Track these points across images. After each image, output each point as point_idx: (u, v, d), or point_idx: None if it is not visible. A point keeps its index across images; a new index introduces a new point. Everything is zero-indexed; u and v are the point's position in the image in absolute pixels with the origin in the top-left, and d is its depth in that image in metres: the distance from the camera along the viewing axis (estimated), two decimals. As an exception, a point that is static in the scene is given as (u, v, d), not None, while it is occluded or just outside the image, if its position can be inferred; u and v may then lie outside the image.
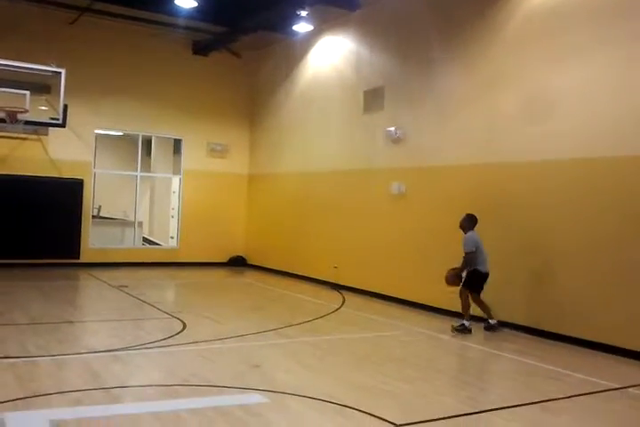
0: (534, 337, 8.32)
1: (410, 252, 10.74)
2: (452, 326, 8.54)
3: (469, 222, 8.58)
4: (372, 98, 12.01)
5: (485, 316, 8.62)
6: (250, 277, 14.49)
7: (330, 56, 13.53)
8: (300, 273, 13.82)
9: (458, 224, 8.68)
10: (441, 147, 10.30)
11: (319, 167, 13.52)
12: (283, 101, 15.24)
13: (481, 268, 8.42)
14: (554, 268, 8.30)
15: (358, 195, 12.20)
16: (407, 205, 10.91)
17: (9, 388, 5.29)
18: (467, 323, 8.45)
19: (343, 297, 11.41)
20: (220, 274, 15.05)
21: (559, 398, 5.70)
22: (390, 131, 11.25)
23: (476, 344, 8.01)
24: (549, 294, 8.33)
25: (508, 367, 7.14)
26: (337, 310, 10.14)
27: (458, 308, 8.70)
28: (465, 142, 9.83)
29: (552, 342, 8.08)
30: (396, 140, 11.24)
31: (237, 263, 16.10)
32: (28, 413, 4.84)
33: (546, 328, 8.30)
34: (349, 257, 12.29)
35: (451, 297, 8.86)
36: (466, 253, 8.39)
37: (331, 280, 12.65)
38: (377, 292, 11.37)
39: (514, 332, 8.58)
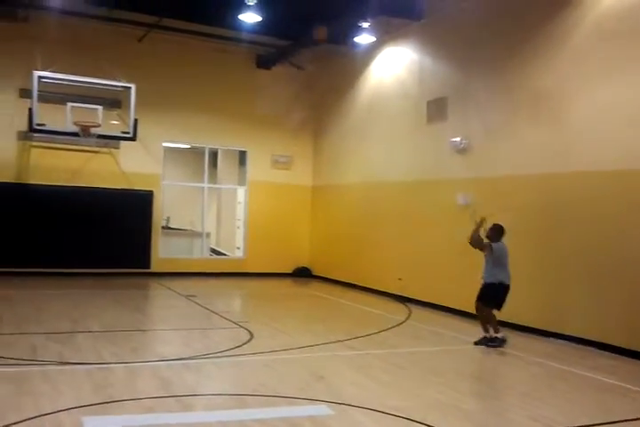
0: (608, 353, 8.04)
1: (477, 265, 10.53)
2: (487, 345, 8.16)
3: (496, 233, 8.32)
4: (436, 108, 11.92)
5: (489, 330, 8.25)
6: (314, 289, 14.55)
7: (392, 67, 13.54)
8: (364, 285, 13.78)
9: (525, 235, 8.48)
10: (508, 157, 10.12)
11: (383, 178, 13.49)
12: (345, 113, 15.32)
13: (504, 280, 8.14)
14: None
15: (423, 206, 12.11)
16: (473, 217, 10.72)
17: (86, 393, 5.47)
18: (500, 335, 8.15)
19: (409, 310, 11.31)
20: (285, 285, 15.18)
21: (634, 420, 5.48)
22: (455, 141, 11.14)
23: (544, 359, 7.78)
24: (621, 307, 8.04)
25: (579, 384, 6.90)
26: (403, 322, 10.05)
27: (529, 323, 8.48)
28: (533, 152, 9.62)
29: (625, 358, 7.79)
30: (461, 151, 11.11)
31: (302, 274, 16.19)
32: (103, 418, 5.00)
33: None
34: (415, 269, 12.18)
35: (522, 311, 8.66)
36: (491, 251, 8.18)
37: (396, 292, 12.57)
38: (444, 305, 11.20)
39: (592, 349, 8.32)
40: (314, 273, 16.23)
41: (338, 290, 14.07)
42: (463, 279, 10.74)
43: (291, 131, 16.43)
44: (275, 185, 16.29)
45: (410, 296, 12.13)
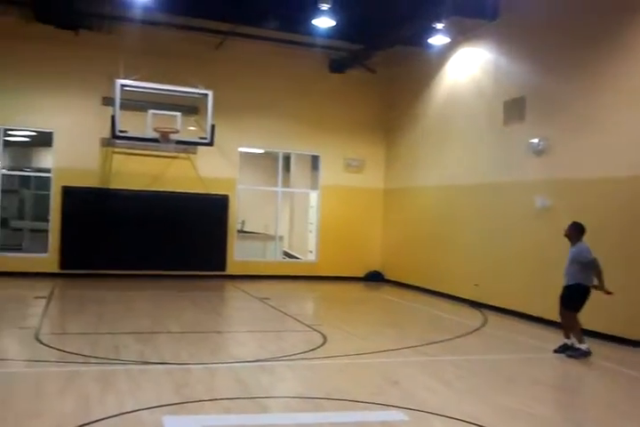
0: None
1: (557, 271, 10.21)
2: (566, 354, 7.85)
3: (577, 231, 7.92)
4: (513, 109, 11.65)
5: (570, 337, 7.94)
6: (387, 293, 14.48)
7: (467, 68, 13.33)
8: (438, 290, 13.60)
9: (609, 240, 8.16)
10: (588, 158, 9.78)
11: (457, 181, 13.30)
12: (419, 115, 15.19)
13: (586, 282, 7.77)
14: None
15: (499, 209, 11.85)
16: (552, 220, 10.41)
17: (166, 392, 5.63)
18: (584, 346, 7.76)
19: (484, 316, 11.09)
20: (357, 289, 15.17)
21: None
22: (533, 142, 10.86)
23: (633, 370, 7.46)
24: None
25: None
26: (478, 329, 9.86)
27: (613, 331, 8.15)
28: (615, 153, 9.26)
29: None
30: (538, 152, 10.82)
31: (374, 278, 16.13)
32: (182, 417, 5.12)
33: None
34: (490, 274, 11.93)
35: (609, 320, 8.34)
36: (590, 262, 7.70)
37: (471, 298, 12.34)
38: (521, 311, 10.91)
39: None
40: (386, 277, 16.14)
41: (410, 294, 13.95)
42: (542, 285, 10.45)
43: (363, 134, 16.43)
44: (347, 189, 16.32)
45: (485, 302, 11.89)
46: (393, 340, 8.55)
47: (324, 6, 12.12)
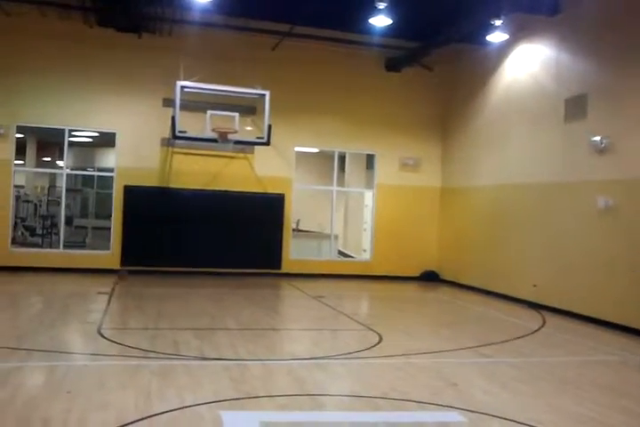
0: None
1: (620, 272, 9.94)
2: None
3: None
4: (574, 106, 11.36)
5: None
6: (443, 293, 14.34)
7: (527, 64, 13.07)
8: (495, 290, 13.38)
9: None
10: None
11: (516, 180, 13.06)
12: (476, 113, 14.97)
13: None
14: None
15: (559, 209, 11.58)
16: (616, 221, 10.13)
17: (224, 388, 5.71)
18: None
19: (543, 317, 10.85)
20: (412, 288, 15.07)
21: None
22: (595, 140, 10.56)
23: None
24: None
25: None
26: (537, 330, 9.66)
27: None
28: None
29: None
30: (601, 151, 10.52)
31: (430, 278, 16.00)
32: (240, 413, 5.19)
33: None
34: (550, 275, 11.68)
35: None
36: None
37: (529, 299, 12.10)
38: (582, 313, 10.63)
39: None
40: (442, 277, 15.98)
41: (467, 295, 13.78)
42: (605, 286, 10.18)
43: (419, 133, 16.31)
44: (402, 188, 16.23)
45: (544, 303, 11.64)
46: (449, 340, 8.47)
47: (381, 5, 12.09)
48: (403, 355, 7.43)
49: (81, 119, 14.36)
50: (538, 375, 6.89)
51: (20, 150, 15.39)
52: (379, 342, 8.05)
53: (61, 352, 7.01)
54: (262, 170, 15.04)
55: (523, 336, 9.05)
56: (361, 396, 5.77)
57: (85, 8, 13.11)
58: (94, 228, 18.71)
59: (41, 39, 13.71)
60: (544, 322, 10.39)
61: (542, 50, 12.58)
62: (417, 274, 16.09)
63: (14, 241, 14.99)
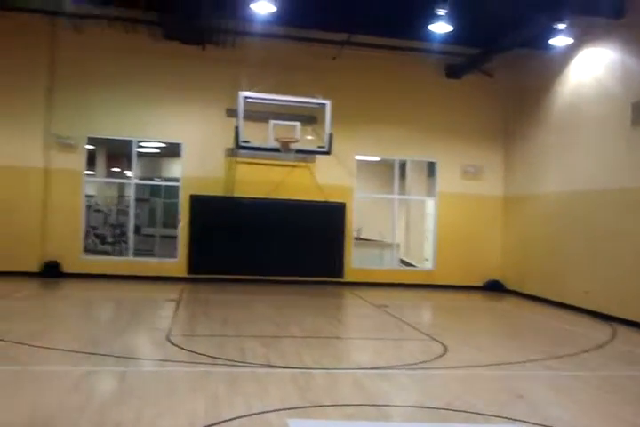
0: None
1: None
2: None
3: None
4: (642, 110, 11.05)
5: None
6: (508, 303, 14.09)
7: (591, 68, 12.77)
8: (562, 301, 13.05)
9: None
10: None
11: (582, 186, 12.75)
12: (540, 119, 14.69)
13: None
14: None
15: (629, 216, 11.23)
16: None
17: (291, 396, 5.78)
18: None
19: (613, 329, 10.53)
20: (476, 298, 14.86)
21: None
22: (667, 146, 10.23)
23: None
24: None
25: None
26: (607, 343, 9.37)
27: None
28: None
29: None
30: (674, 157, 10.18)
31: (494, 288, 15.73)
32: (307, 421, 5.23)
33: None
34: (623, 286, 11.31)
35: None
36: None
37: (598, 310, 11.76)
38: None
39: None
40: (506, 287, 15.69)
41: (533, 305, 13.49)
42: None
43: (481, 140, 16.13)
44: (464, 196, 16.07)
45: (615, 315, 11.28)
46: (515, 352, 8.33)
47: (441, 11, 12.05)
48: (468, 366, 7.36)
49: (148, 130, 14.85)
50: (608, 390, 6.71)
51: (91, 161, 16.00)
52: (443, 353, 7.98)
53: (132, 358, 7.22)
54: (323, 179, 15.16)
55: (592, 349, 8.81)
56: (426, 407, 5.74)
57: (152, 22, 13.56)
58: (161, 236, 19.23)
59: (109, 54, 14.27)
60: (614, 334, 10.08)
61: (607, 53, 12.28)
62: (480, 283, 15.86)
63: (86, 249, 15.57)
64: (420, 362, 7.45)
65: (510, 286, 15.53)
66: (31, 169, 13.97)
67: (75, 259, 14.28)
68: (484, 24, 13.00)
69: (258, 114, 13.44)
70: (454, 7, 11.58)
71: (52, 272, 13.80)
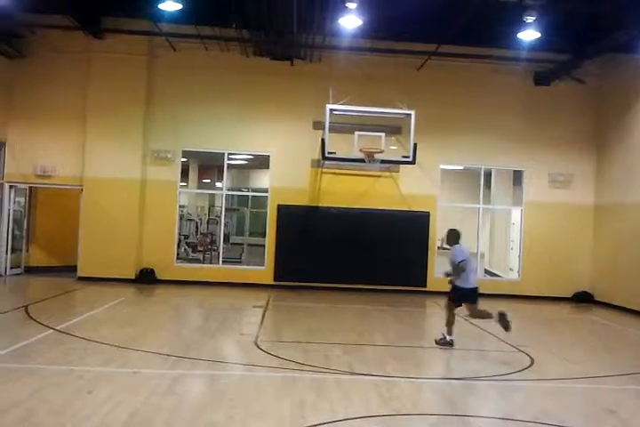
0: None
1: None
2: (435, 339, 8.81)
3: (453, 237, 8.98)
4: None
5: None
6: (597, 315, 13.63)
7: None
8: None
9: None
10: None
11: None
12: (634, 126, 14.17)
13: (460, 284, 8.65)
14: None
15: None
16: None
17: (374, 404, 5.90)
18: (448, 337, 8.70)
19: None
20: (563, 309, 14.45)
21: None
22: None
23: None
24: None
25: None
26: None
27: None
28: None
29: None
30: None
31: (582, 299, 15.23)
32: (393, 430, 5.36)
33: None
34: None
35: None
36: (455, 264, 8.62)
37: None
38: None
39: None
40: (596, 298, 15.17)
41: (624, 317, 13.01)
42: None
43: (570, 148, 15.71)
44: (553, 205, 15.67)
45: None
46: (606, 365, 8.11)
47: (530, 19, 11.91)
48: (556, 379, 7.25)
49: (239, 143, 15.39)
50: None
51: (184, 173, 16.69)
52: (530, 365, 7.88)
53: (222, 362, 7.56)
54: (407, 188, 15.21)
55: (690, 365, 8.46)
56: (512, 419, 5.71)
57: (243, 40, 14.08)
58: (249, 245, 19.80)
59: (203, 71, 14.94)
60: None
61: None
62: (569, 295, 15.40)
63: (178, 257, 16.26)
64: (506, 373, 7.39)
65: (600, 297, 15.00)
66: (130, 181, 14.76)
67: (168, 266, 14.97)
68: (574, 29, 12.73)
69: (343, 125, 13.67)
70: (543, 14, 11.42)
71: (147, 279, 14.50)
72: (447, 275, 8.87)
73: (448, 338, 8.77)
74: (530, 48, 13.43)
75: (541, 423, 5.55)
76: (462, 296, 8.80)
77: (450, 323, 8.90)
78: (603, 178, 15.55)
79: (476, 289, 8.90)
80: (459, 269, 8.62)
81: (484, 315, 8.92)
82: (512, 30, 12.50)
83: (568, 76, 15.28)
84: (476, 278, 9.15)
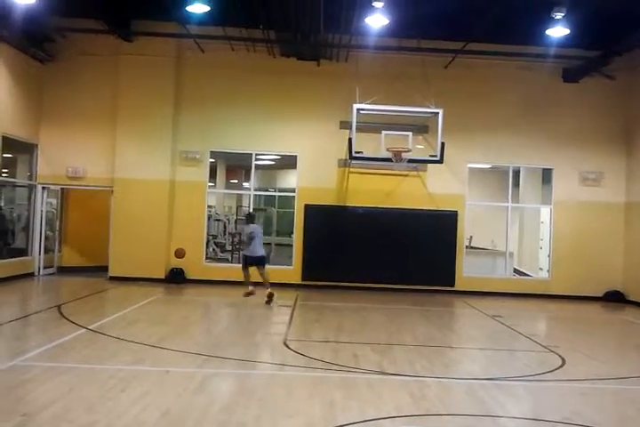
0: None
1: None
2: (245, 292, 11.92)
3: (250, 218, 12.61)
4: None
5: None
6: (630, 314, 13.45)
7: None
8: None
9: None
10: None
11: None
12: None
13: (246, 253, 12.18)
14: None
15: None
16: None
17: (404, 404, 5.88)
18: (250, 288, 12.03)
19: None
20: (594, 309, 14.27)
21: None
22: None
23: None
24: None
25: None
26: None
27: None
28: None
29: None
30: None
31: (614, 298, 15.01)
32: (423, 430, 5.35)
33: None
34: None
35: None
36: (247, 236, 12.01)
37: None
38: None
39: None
40: (628, 298, 14.95)
41: (658, 318, 12.81)
42: None
43: (600, 145, 15.50)
44: (583, 203, 15.49)
45: None
46: (639, 366, 7.98)
47: (559, 15, 11.80)
48: (587, 379, 7.18)
49: (266, 143, 15.44)
50: None
51: (212, 173, 16.83)
52: (561, 366, 7.81)
53: (251, 361, 7.61)
54: (435, 187, 15.15)
55: None
56: (543, 420, 5.66)
57: (270, 41, 14.15)
58: (277, 244, 19.86)
59: (230, 72, 15.03)
60: None
61: None
62: (600, 294, 15.20)
63: (207, 256, 16.39)
64: (537, 374, 7.34)
65: (632, 296, 14.78)
66: (160, 182, 14.92)
67: (197, 266, 15.10)
68: (603, 25, 12.54)
69: (370, 125, 13.67)
70: (572, 10, 11.29)
71: (176, 278, 14.66)
72: (240, 243, 11.89)
73: (250, 288, 12.02)
74: (558, 45, 13.28)
75: (574, 424, 5.50)
76: (251, 261, 12.01)
77: (246, 279, 12.14)
78: (633, 175, 15.31)
79: (261, 257, 12.05)
80: (249, 240, 11.89)
81: (267, 280, 12.09)
82: (540, 27, 12.38)
83: (597, 73, 15.08)
84: (261, 251, 12.16)
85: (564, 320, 12.80)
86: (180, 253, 13.30)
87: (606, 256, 15.38)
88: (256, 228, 12.26)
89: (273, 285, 12.16)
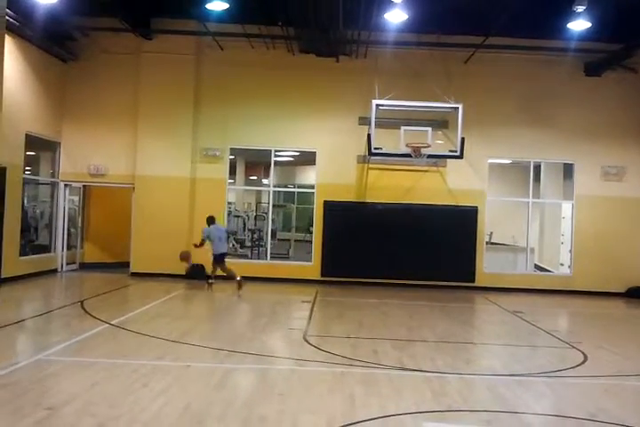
0: None
1: None
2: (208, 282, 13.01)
3: (208, 221, 13.03)
4: None
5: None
6: (653, 311, 13.30)
7: None
8: None
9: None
10: None
11: None
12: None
13: (214, 251, 12.81)
14: None
15: None
16: None
17: (425, 400, 5.88)
18: (211, 280, 13.15)
19: None
20: (616, 305, 14.13)
21: None
22: None
23: None
24: None
25: None
26: None
27: None
28: None
29: None
30: None
31: (637, 294, 14.85)
32: (444, 426, 5.32)
33: None
34: None
35: None
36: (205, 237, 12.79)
37: None
38: None
39: None
40: (651, 294, 14.79)
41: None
42: None
43: (623, 139, 15.31)
44: (605, 198, 15.31)
45: None
46: (663, 362, 7.90)
47: (580, 8, 11.68)
48: (611, 375, 7.12)
49: (285, 140, 15.48)
50: None
51: (231, 170, 16.86)
52: (584, 362, 7.74)
53: (272, 356, 7.63)
54: (455, 183, 15.07)
55: None
56: (567, 416, 5.63)
57: (289, 37, 14.16)
58: (296, 240, 19.90)
59: (249, 69, 15.06)
60: None
61: None
62: (622, 290, 15.04)
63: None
64: (559, 370, 7.28)
65: (657, 293, 14.61)
66: (180, 179, 15.02)
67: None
68: (625, 18, 12.38)
69: (389, 121, 13.64)
70: (593, 3, 11.16)
71: (197, 274, 14.65)
72: (202, 242, 12.81)
73: (211, 280, 13.17)
74: (580, 38, 13.16)
75: (598, 421, 5.44)
76: (216, 258, 12.87)
77: (213, 272, 13.22)
78: (658, 170, 15.11)
79: (221, 254, 12.89)
80: (210, 240, 12.73)
81: (231, 274, 12.88)
82: (561, 20, 12.26)
83: (619, 66, 14.90)
84: (224, 247, 13.11)
85: (586, 316, 12.69)
86: (185, 257, 13.26)
87: (629, 252, 15.21)
88: (219, 228, 13.23)
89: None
